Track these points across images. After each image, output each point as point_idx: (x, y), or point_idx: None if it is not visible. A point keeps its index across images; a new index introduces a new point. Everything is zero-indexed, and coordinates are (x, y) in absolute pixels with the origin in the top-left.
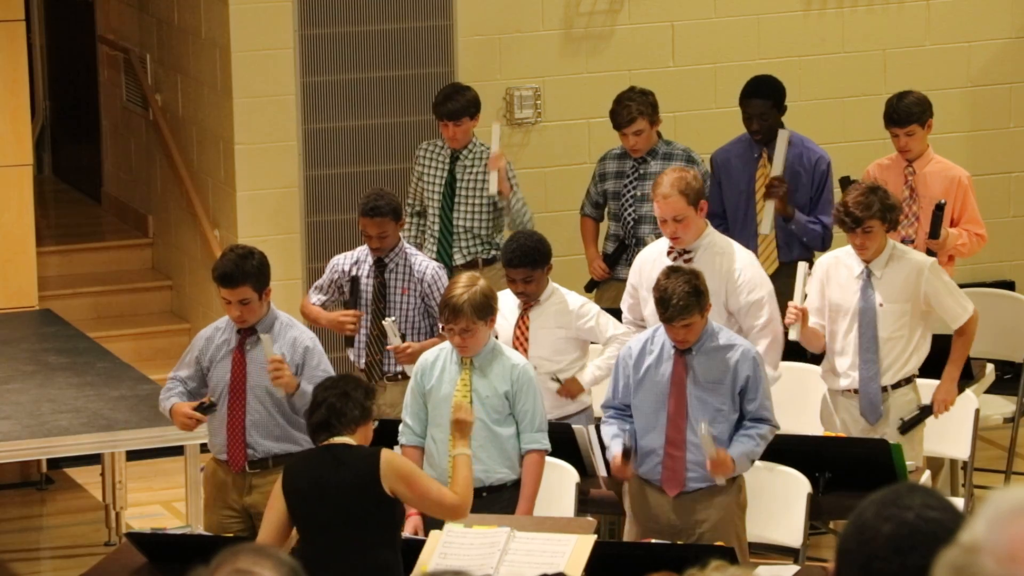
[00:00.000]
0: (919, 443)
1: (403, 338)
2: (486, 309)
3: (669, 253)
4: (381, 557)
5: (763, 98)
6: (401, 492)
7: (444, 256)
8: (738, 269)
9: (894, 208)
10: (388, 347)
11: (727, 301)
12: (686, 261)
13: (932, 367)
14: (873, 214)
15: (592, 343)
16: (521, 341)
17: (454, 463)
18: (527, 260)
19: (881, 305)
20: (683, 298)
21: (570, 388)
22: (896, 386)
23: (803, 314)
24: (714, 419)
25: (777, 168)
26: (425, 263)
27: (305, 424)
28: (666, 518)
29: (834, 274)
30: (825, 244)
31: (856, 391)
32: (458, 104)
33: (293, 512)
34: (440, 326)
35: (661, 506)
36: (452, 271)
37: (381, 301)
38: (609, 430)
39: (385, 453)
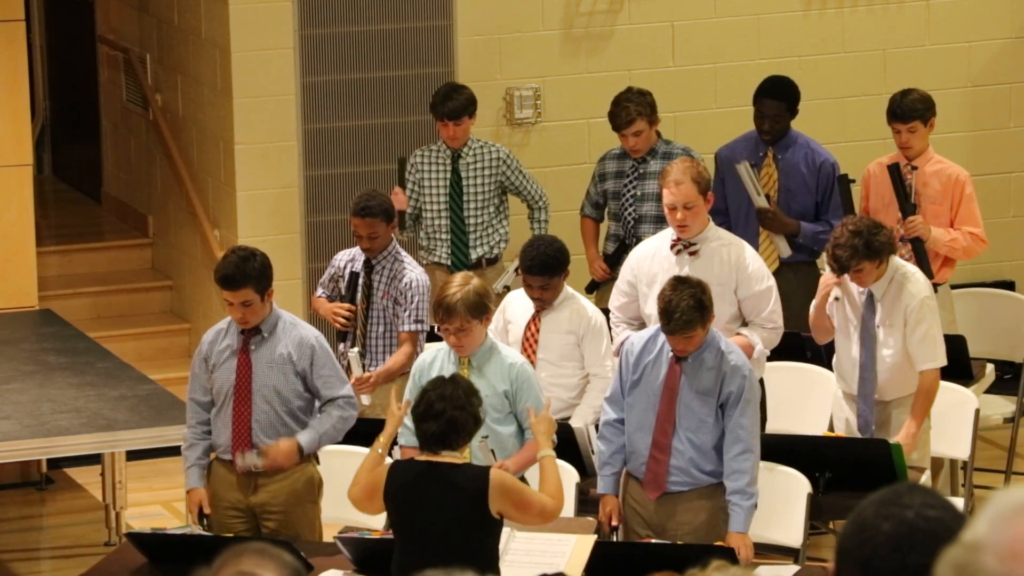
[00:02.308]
0: (925, 445)
1: (364, 368)
2: (480, 308)
3: (673, 246)
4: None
5: (778, 100)
6: (507, 511)
7: (460, 255)
8: (748, 259)
9: (881, 249)
10: (351, 380)
11: (738, 289)
12: (691, 254)
13: (943, 371)
14: (859, 259)
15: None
16: (531, 343)
17: (541, 465)
18: (546, 270)
19: (878, 327)
20: (686, 312)
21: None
22: (900, 399)
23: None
24: (699, 428)
25: (759, 201)
26: (409, 270)
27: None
28: (649, 516)
29: (846, 279)
30: None
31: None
32: (458, 103)
33: (394, 520)
34: (401, 328)
35: (645, 503)
36: (470, 269)
37: (366, 302)
38: (602, 452)
39: (494, 474)
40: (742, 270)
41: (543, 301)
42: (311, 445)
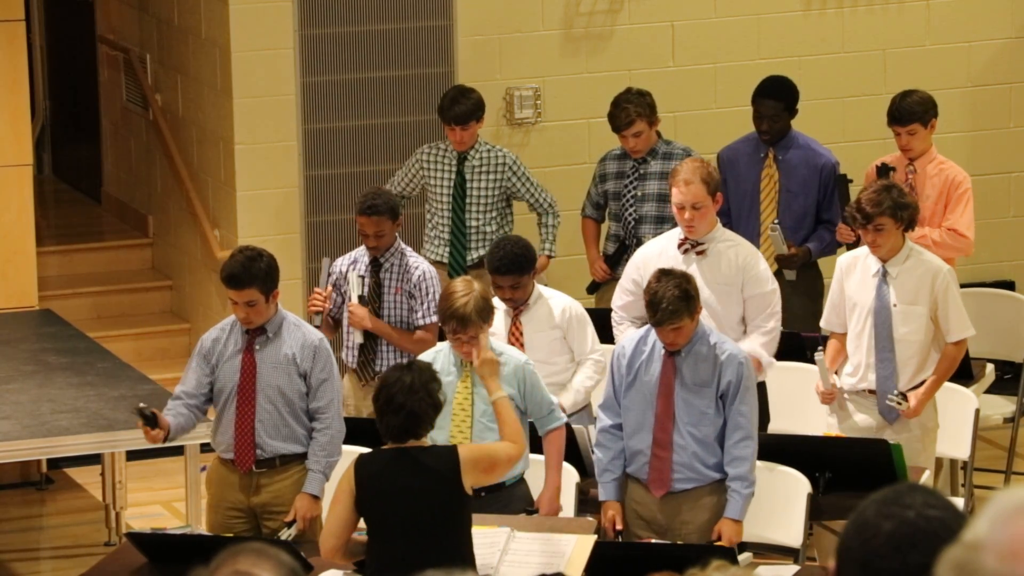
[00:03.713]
0: (931, 445)
1: (361, 299)
2: (488, 311)
3: (680, 246)
4: (457, 555)
5: (776, 99)
6: (480, 480)
7: (457, 257)
8: (755, 260)
9: (907, 206)
10: (349, 304)
11: (744, 288)
12: (698, 254)
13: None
14: (884, 211)
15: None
16: (517, 346)
17: (496, 408)
18: (515, 267)
19: (895, 305)
20: (672, 302)
21: None
22: (912, 390)
23: (833, 395)
24: (699, 422)
25: (780, 251)
26: (418, 263)
27: (308, 420)
28: (652, 516)
29: (852, 272)
30: (839, 244)
31: (871, 391)
32: (465, 108)
33: (367, 513)
34: (419, 322)
35: (647, 504)
36: (467, 272)
37: (376, 301)
38: (600, 459)
39: (462, 450)
40: (748, 270)
41: (515, 301)
42: (322, 485)
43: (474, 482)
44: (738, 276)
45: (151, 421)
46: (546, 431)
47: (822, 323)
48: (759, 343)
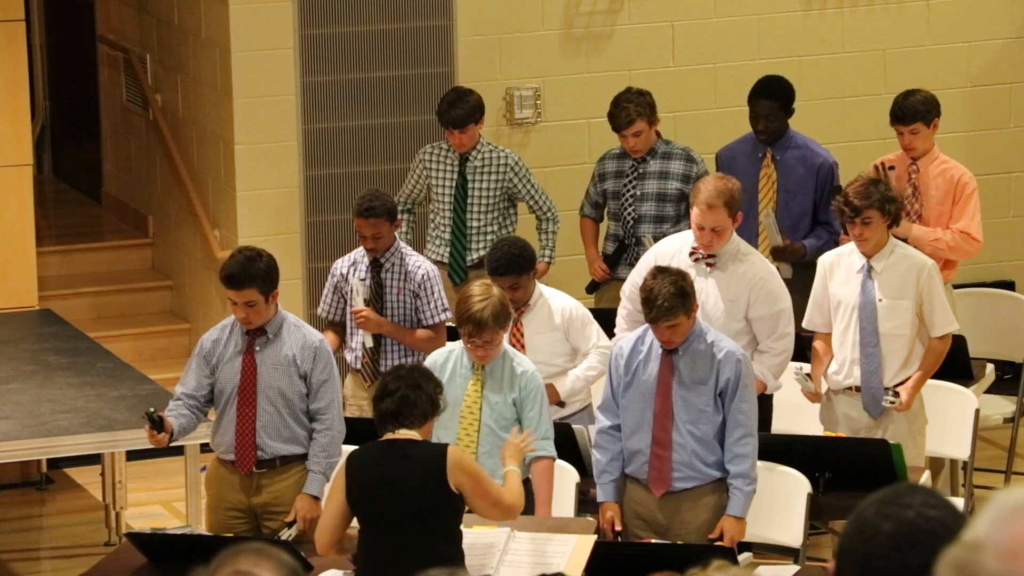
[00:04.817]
0: (921, 443)
1: (367, 304)
2: (506, 317)
3: (692, 253)
4: (445, 550)
5: (771, 99)
6: (465, 487)
7: (458, 256)
8: (766, 277)
9: (894, 201)
10: (353, 309)
11: (749, 309)
12: (708, 265)
13: (942, 370)
14: (872, 204)
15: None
16: (518, 347)
17: (506, 478)
18: (513, 268)
19: (881, 300)
20: (668, 299)
21: (548, 394)
22: (899, 386)
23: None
24: (698, 419)
25: (776, 241)
26: (419, 262)
27: (307, 424)
28: (652, 516)
29: (836, 271)
30: (837, 244)
31: (857, 388)
32: (462, 111)
33: (357, 505)
34: (428, 322)
35: (647, 504)
36: (467, 271)
37: (378, 301)
38: (599, 460)
39: (452, 450)
40: (756, 288)
41: (515, 302)
42: (322, 486)
43: (458, 483)
44: (745, 294)
45: (157, 425)
46: (534, 458)
47: (804, 323)
48: (768, 366)
